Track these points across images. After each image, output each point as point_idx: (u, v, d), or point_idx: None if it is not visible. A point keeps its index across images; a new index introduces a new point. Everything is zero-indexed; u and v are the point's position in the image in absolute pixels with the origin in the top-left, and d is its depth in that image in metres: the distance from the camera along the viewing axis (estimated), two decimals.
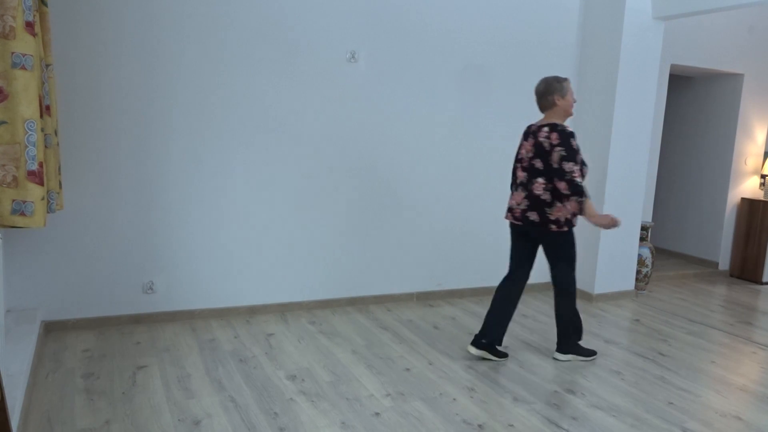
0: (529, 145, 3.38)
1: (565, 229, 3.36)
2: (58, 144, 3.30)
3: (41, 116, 2.74)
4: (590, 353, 3.64)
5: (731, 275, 6.18)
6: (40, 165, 2.65)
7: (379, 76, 4.29)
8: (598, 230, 4.86)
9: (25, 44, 2.53)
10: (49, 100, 3.06)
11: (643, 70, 4.78)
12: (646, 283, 5.33)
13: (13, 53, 2.51)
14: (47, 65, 3.08)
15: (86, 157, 3.60)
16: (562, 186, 3.23)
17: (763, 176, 6.16)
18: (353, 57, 4.18)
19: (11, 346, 2.96)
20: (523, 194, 3.40)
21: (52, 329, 3.65)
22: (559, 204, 3.31)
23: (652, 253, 5.28)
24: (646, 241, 5.28)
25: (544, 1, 4.76)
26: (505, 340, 3.91)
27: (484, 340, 3.51)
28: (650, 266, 5.27)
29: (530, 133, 3.41)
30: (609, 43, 4.74)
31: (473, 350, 3.51)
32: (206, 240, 3.96)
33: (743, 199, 6.09)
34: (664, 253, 6.63)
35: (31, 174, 2.61)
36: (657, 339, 4.10)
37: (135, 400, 2.85)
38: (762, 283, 5.92)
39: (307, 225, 4.23)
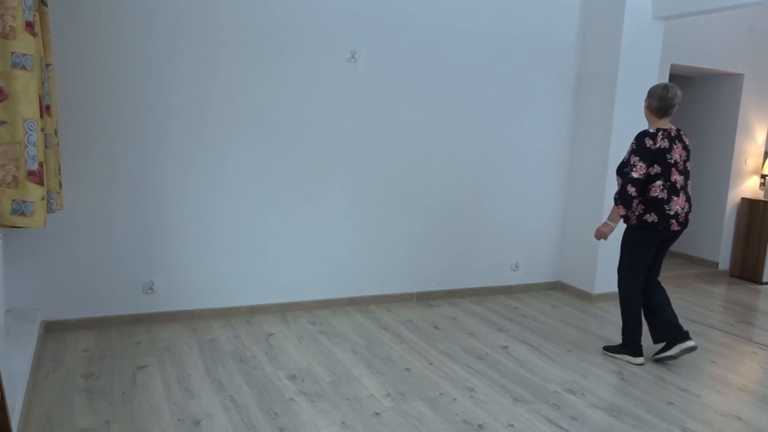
0: (680, 149, 3.44)
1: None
2: (58, 144, 3.30)
3: (41, 116, 2.74)
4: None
5: (731, 275, 6.18)
6: (40, 165, 2.65)
7: (379, 76, 4.29)
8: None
9: (25, 44, 2.53)
10: (49, 100, 3.06)
11: (643, 70, 4.78)
12: None
13: (13, 53, 2.51)
14: (47, 65, 3.08)
15: (86, 157, 3.60)
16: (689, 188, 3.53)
17: (763, 176, 6.16)
18: (353, 57, 4.18)
19: (11, 346, 2.96)
20: (684, 198, 3.47)
21: (52, 329, 3.65)
22: None
23: None
24: None
25: (544, 1, 4.76)
26: (504, 339, 3.92)
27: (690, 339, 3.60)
28: None
29: (674, 137, 3.45)
30: (609, 43, 4.74)
31: (690, 343, 3.55)
32: (206, 240, 3.96)
33: (743, 199, 6.09)
34: None
35: (31, 174, 2.61)
36: None
37: (135, 400, 2.85)
38: (762, 283, 5.92)
39: (307, 225, 4.23)
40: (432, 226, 4.66)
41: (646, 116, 3.55)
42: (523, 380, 3.30)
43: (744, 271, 6.06)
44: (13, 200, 2.61)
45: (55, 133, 3.22)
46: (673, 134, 3.45)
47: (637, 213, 3.48)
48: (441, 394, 3.08)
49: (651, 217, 3.44)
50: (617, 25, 4.66)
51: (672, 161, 3.41)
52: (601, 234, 3.58)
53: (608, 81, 4.75)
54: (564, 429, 2.78)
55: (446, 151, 4.61)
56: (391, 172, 4.45)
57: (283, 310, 4.25)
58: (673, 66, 5.62)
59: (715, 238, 6.19)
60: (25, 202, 2.63)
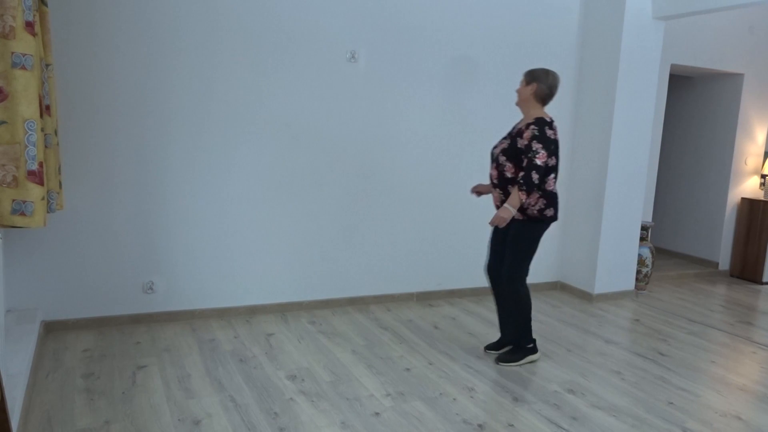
0: None
1: None
2: (58, 144, 3.30)
3: (41, 116, 2.74)
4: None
5: (731, 275, 6.18)
6: (40, 165, 2.65)
7: (379, 76, 4.29)
8: (599, 230, 4.86)
9: (25, 44, 2.53)
10: (49, 100, 3.06)
11: (643, 70, 4.78)
12: (646, 283, 5.33)
13: (13, 53, 2.51)
14: (47, 65, 3.08)
15: (86, 157, 3.60)
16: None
17: (763, 176, 6.16)
18: (353, 57, 4.18)
19: (11, 346, 2.96)
20: None
21: (52, 329, 3.65)
22: None
23: (652, 253, 5.28)
24: (646, 241, 5.28)
25: (544, 1, 4.76)
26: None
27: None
28: (650, 266, 5.27)
29: None
30: (609, 43, 4.74)
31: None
32: (206, 240, 3.96)
33: (743, 199, 6.09)
34: (664, 253, 6.63)
35: (31, 174, 2.61)
36: (657, 339, 4.10)
37: (135, 400, 2.85)
38: (762, 283, 5.92)
39: (308, 225, 4.23)
40: (432, 226, 4.66)
41: (526, 102, 3.33)
42: (523, 380, 3.30)
43: (744, 271, 6.06)
44: (13, 200, 2.61)
45: (55, 133, 3.22)
46: None
47: (537, 207, 3.31)
48: (441, 394, 3.08)
49: (550, 212, 3.35)
50: (617, 25, 4.66)
51: (559, 153, 3.37)
52: (501, 220, 3.28)
53: (608, 81, 4.75)
54: (564, 429, 2.78)
55: (446, 151, 4.61)
56: (392, 172, 4.44)
57: (283, 310, 4.25)
58: (673, 66, 5.62)
59: (715, 238, 6.19)
60: (25, 202, 2.63)
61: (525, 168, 3.21)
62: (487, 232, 4.87)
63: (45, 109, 2.97)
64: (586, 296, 4.98)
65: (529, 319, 3.53)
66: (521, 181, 3.21)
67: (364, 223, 4.42)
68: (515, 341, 3.56)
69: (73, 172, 3.58)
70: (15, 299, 3.54)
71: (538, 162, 3.17)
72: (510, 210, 3.25)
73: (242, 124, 3.94)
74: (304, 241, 4.24)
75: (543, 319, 4.39)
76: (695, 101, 6.41)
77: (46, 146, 2.97)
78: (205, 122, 3.85)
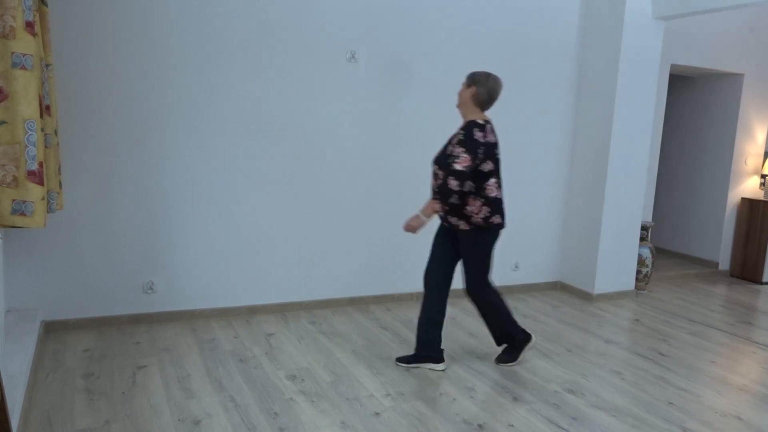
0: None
1: None
2: (58, 144, 3.30)
3: (41, 116, 2.74)
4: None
5: (731, 275, 6.18)
6: (40, 165, 2.65)
7: (379, 76, 4.29)
8: (599, 230, 4.86)
9: (25, 44, 2.53)
10: (49, 100, 3.06)
11: (643, 70, 4.78)
12: (646, 283, 5.33)
13: (13, 53, 2.51)
14: (47, 65, 3.08)
15: (86, 157, 3.60)
16: None
17: (763, 176, 6.16)
18: (353, 57, 4.18)
19: (11, 346, 2.96)
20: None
21: (52, 329, 3.65)
22: None
23: (652, 253, 5.28)
24: (646, 241, 5.28)
25: (544, 1, 4.76)
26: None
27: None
28: (650, 266, 5.27)
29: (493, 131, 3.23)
30: (609, 43, 4.74)
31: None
32: (206, 240, 3.96)
33: (743, 199, 6.09)
34: (664, 253, 6.63)
35: (31, 174, 2.61)
36: (657, 339, 4.10)
37: (135, 400, 2.85)
38: (762, 283, 5.92)
39: (308, 225, 4.23)
40: (432, 226, 4.65)
41: (465, 105, 3.20)
42: (523, 380, 3.30)
43: (744, 271, 6.06)
44: (13, 200, 2.61)
45: (55, 133, 3.22)
46: (493, 128, 3.21)
47: (482, 215, 3.14)
48: (441, 394, 3.08)
49: (497, 219, 3.19)
50: (617, 25, 4.66)
51: (499, 157, 3.19)
52: (411, 228, 3.19)
53: (608, 81, 4.74)
54: (564, 429, 2.78)
55: None
56: (392, 172, 4.44)
57: (283, 310, 4.25)
58: (673, 66, 5.62)
59: (715, 238, 6.19)
60: (25, 202, 2.63)
61: (444, 175, 3.05)
62: None
63: (45, 109, 2.97)
64: (586, 296, 4.98)
65: (509, 314, 3.43)
66: (436, 189, 3.08)
67: (364, 223, 4.42)
68: (509, 340, 3.51)
69: (73, 172, 3.58)
70: (15, 299, 3.54)
71: (457, 167, 3.00)
72: (420, 217, 3.16)
73: (242, 123, 3.94)
74: (304, 241, 4.24)
75: (543, 319, 4.39)
76: (695, 101, 6.41)
77: (46, 146, 2.97)
78: (204, 122, 3.85)
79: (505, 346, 3.56)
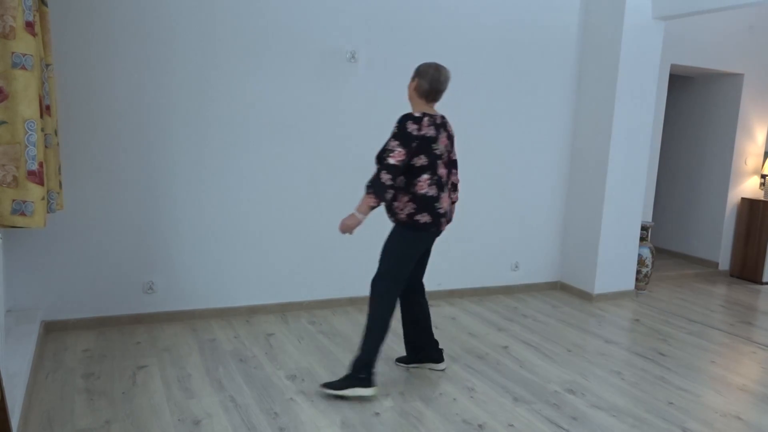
0: (445, 139, 3.02)
1: None
2: (58, 144, 3.30)
3: (41, 116, 2.74)
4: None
5: (731, 275, 6.18)
6: (40, 165, 2.65)
7: (379, 76, 4.29)
8: (599, 230, 4.86)
9: (25, 44, 2.53)
10: (49, 100, 3.06)
11: (643, 70, 4.78)
12: (646, 283, 5.34)
13: (13, 53, 2.51)
14: (47, 65, 3.08)
15: (86, 157, 3.60)
16: (457, 177, 3.23)
17: (763, 176, 6.16)
18: (353, 57, 4.18)
19: (11, 346, 2.96)
20: (447, 194, 3.05)
21: (52, 329, 3.65)
22: None
23: (652, 253, 5.29)
24: (646, 241, 5.28)
25: (544, 1, 4.76)
26: (504, 339, 3.91)
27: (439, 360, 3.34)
28: (650, 266, 5.27)
29: (440, 125, 3.00)
30: (609, 43, 4.74)
31: (443, 365, 3.34)
32: (206, 240, 3.96)
33: (743, 199, 6.09)
34: (664, 253, 6.63)
35: (31, 174, 2.61)
36: (657, 339, 4.10)
37: (135, 400, 2.85)
38: (762, 283, 5.92)
39: (308, 225, 4.23)
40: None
41: (411, 98, 3.05)
42: (523, 380, 3.30)
43: (744, 271, 6.06)
44: (13, 200, 2.61)
45: (55, 133, 3.22)
46: (438, 122, 2.99)
47: (407, 212, 2.95)
48: (441, 394, 3.08)
49: (424, 218, 2.94)
50: (617, 25, 4.66)
51: (438, 152, 2.96)
52: (346, 227, 2.98)
53: (608, 81, 4.74)
54: (564, 429, 2.78)
55: None
56: None
57: (283, 310, 4.25)
58: (673, 66, 5.62)
59: (715, 238, 6.19)
60: (25, 202, 2.63)
61: (377, 169, 2.91)
62: (492, 233, 4.87)
63: (45, 109, 2.97)
64: (586, 296, 4.98)
65: (379, 342, 3.00)
66: (369, 184, 2.90)
67: (364, 223, 4.41)
68: (360, 365, 2.98)
69: (73, 172, 3.58)
70: (15, 299, 3.54)
71: (391, 161, 2.84)
72: (356, 215, 2.92)
73: (242, 123, 3.94)
74: (304, 241, 4.24)
75: (543, 319, 4.39)
76: (695, 101, 6.41)
77: (46, 146, 2.97)
78: (204, 122, 3.85)
79: (352, 361, 3.04)
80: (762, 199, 6.02)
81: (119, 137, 3.66)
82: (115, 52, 3.58)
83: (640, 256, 5.21)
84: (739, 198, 6.12)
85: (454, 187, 3.22)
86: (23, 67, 2.54)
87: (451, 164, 3.16)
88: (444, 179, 3.01)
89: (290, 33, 3.98)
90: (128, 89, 3.64)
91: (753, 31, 5.85)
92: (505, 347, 3.78)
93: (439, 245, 4.67)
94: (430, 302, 4.65)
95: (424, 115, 2.94)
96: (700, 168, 6.36)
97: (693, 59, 5.60)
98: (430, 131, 2.93)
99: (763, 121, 6.12)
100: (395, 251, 3.05)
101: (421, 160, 2.92)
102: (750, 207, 6.02)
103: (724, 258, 6.18)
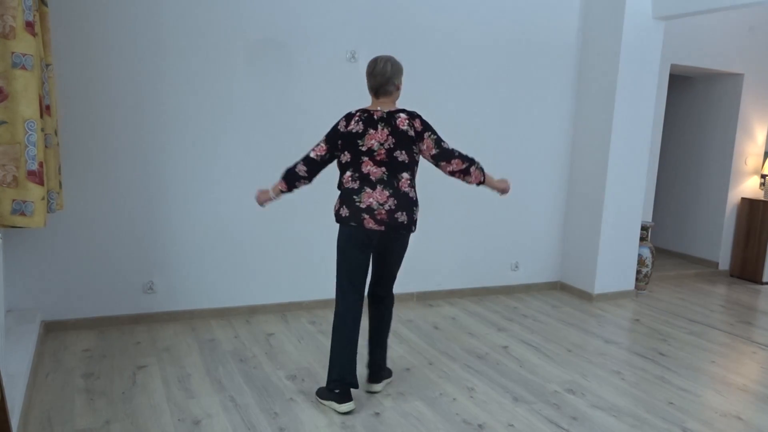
0: (382, 135, 2.82)
1: (414, 229, 2.97)
2: (58, 144, 3.30)
3: (41, 116, 2.74)
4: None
5: (731, 275, 6.18)
6: (40, 165, 2.65)
7: None
8: (599, 230, 4.86)
9: (25, 44, 2.53)
10: (49, 100, 3.06)
11: (643, 70, 4.78)
12: (646, 283, 5.33)
13: (13, 53, 2.51)
14: (47, 65, 3.08)
15: (86, 157, 3.60)
16: (457, 164, 2.93)
17: (763, 176, 6.16)
18: (353, 57, 4.18)
19: (11, 346, 2.96)
20: (387, 192, 2.82)
21: (52, 329, 3.65)
22: (417, 201, 2.99)
23: (652, 253, 5.29)
24: (646, 241, 5.28)
25: (544, 1, 4.76)
26: (504, 339, 3.92)
27: (382, 373, 3.12)
28: (650, 266, 5.27)
29: (378, 120, 2.85)
30: (609, 43, 4.74)
31: (379, 387, 3.09)
32: (206, 240, 3.96)
33: (743, 199, 6.09)
34: (664, 253, 6.63)
35: (31, 174, 2.61)
36: (657, 339, 4.10)
37: (135, 400, 2.85)
38: (762, 283, 5.92)
39: (308, 225, 4.23)
40: (432, 226, 4.66)
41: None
42: (523, 380, 3.30)
43: (744, 271, 6.06)
44: (13, 200, 2.61)
45: (55, 133, 3.22)
46: (377, 117, 2.85)
47: (336, 207, 2.91)
48: (441, 394, 3.08)
49: (344, 211, 2.84)
50: (617, 25, 4.66)
51: (364, 149, 2.82)
52: (258, 199, 3.06)
53: (608, 81, 4.74)
54: (564, 429, 2.78)
55: None
56: None
57: (283, 310, 4.25)
58: (673, 66, 5.62)
59: (715, 238, 6.19)
60: (25, 202, 2.63)
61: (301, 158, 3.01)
62: (492, 233, 4.87)
63: (45, 109, 2.97)
64: (586, 296, 4.98)
65: (336, 351, 2.87)
66: (286, 168, 3.06)
67: None
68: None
69: (73, 172, 3.58)
70: (15, 299, 3.54)
71: (310, 155, 2.96)
72: (267, 192, 3.04)
73: (242, 123, 3.94)
74: (304, 241, 4.24)
75: (543, 319, 4.39)
76: (695, 101, 6.41)
77: (46, 146, 2.97)
78: (204, 122, 3.85)
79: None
80: (762, 199, 6.02)
81: (119, 137, 3.66)
82: (115, 52, 3.58)
83: (640, 256, 5.21)
84: (739, 198, 6.12)
85: (462, 174, 2.99)
86: (23, 67, 2.54)
87: (440, 157, 2.93)
88: (375, 177, 2.82)
89: (290, 33, 3.98)
90: (128, 89, 3.64)
91: (753, 31, 5.85)
92: (505, 347, 3.78)
93: (438, 245, 4.69)
94: (430, 302, 4.67)
95: (361, 111, 2.91)
96: (700, 168, 6.36)
97: (693, 59, 5.60)
98: (357, 127, 2.84)
99: (763, 121, 6.12)
100: (337, 248, 2.94)
101: (345, 156, 2.89)
102: (750, 207, 6.02)
103: (724, 258, 6.18)
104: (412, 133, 2.87)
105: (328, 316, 4.20)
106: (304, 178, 2.98)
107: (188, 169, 3.85)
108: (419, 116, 2.94)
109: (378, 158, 2.83)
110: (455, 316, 4.37)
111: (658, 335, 4.18)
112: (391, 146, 2.84)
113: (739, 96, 5.94)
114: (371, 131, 2.84)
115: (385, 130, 2.84)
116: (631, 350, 3.86)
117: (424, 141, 2.91)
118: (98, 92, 3.58)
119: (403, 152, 2.86)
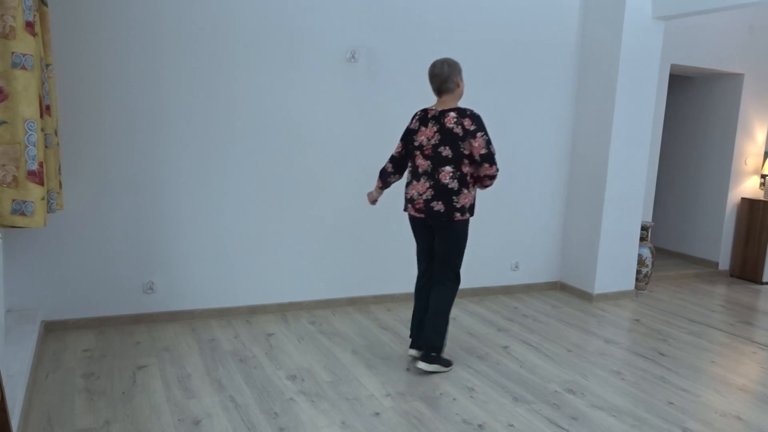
0: (430, 132, 3.17)
1: (468, 216, 3.24)
2: (58, 144, 3.30)
3: (41, 116, 2.74)
4: (449, 363, 3.39)
5: (731, 275, 6.18)
6: (40, 165, 2.65)
7: (380, 75, 4.29)
8: (599, 230, 4.86)
9: (25, 44, 2.53)
10: (49, 100, 3.06)
11: (643, 70, 4.78)
12: (646, 283, 5.34)
13: (13, 53, 2.52)
14: (47, 65, 3.08)
15: (86, 157, 3.60)
16: (492, 170, 3.14)
17: (763, 176, 6.16)
18: (353, 57, 4.18)
19: (11, 346, 2.96)
20: (427, 184, 3.17)
21: (52, 329, 3.65)
22: (465, 191, 3.18)
23: (652, 253, 5.29)
24: (646, 241, 5.28)
25: (544, 1, 4.76)
26: (504, 339, 3.92)
27: (429, 353, 3.31)
28: (650, 266, 5.27)
29: (430, 119, 3.19)
30: (609, 43, 4.74)
31: (423, 365, 3.30)
32: (206, 240, 3.96)
33: (743, 199, 6.09)
34: (664, 253, 6.63)
35: (31, 174, 2.61)
36: (657, 339, 4.10)
37: (135, 400, 2.85)
38: (762, 283, 5.92)
39: (307, 224, 4.23)
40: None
41: None
42: (523, 380, 3.30)
43: (744, 271, 6.06)
44: (13, 200, 2.61)
45: (55, 133, 3.22)
46: (431, 115, 3.19)
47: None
48: (441, 394, 3.08)
49: (404, 199, 3.37)
50: (617, 25, 4.66)
51: (417, 144, 3.23)
52: (369, 199, 3.53)
53: (608, 81, 4.75)
54: (564, 429, 2.78)
55: None
56: None
57: (283, 310, 4.25)
58: (673, 66, 5.62)
59: (715, 238, 6.19)
60: (25, 202, 2.63)
61: None
62: (492, 233, 4.87)
63: (45, 109, 2.97)
64: (586, 296, 4.98)
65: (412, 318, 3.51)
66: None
67: (364, 223, 4.42)
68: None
69: (73, 172, 3.58)
70: (15, 299, 3.54)
71: (393, 153, 3.42)
72: (372, 192, 3.54)
73: (242, 123, 3.95)
74: (303, 241, 4.24)
75: (543, 319, 4.39)
76: (695, 101, 6.41)
77: (46, 146, 2.97)
78: (204, 122, 3.85)
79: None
80: (762, 199, 6.02)
81: (119, 137, 3.66)
82: (116, 52, 3.58)
83: (640, 256, 5.21)
84: (739, 198, 6.12)
85: (489, 179, 3.19)
86: (23, 67, 2.54)
87: (469, 158, 3.14)
88: (422, 169, 3.21)
89: (290, 33, 3.98)
90: (128, 89, 3.64)
91: (753, 31, 5.85)
92: (505, 347, 3.78)
93: None
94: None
95: (422, 110, 3.29)
96: (700, 168, 6.36)
97: (693, 59, 5.60)
98: (414, 125, 3.29)
99: (763, 121, 6.12)
100: None
101: (407, 151, 3.35)
102: (750, 207, 6.02)
103: (724, 258, 6.18)
104: (458, 130, 3.12)
105: (328, 316, 4.20)
106: (392, 173, 3.42)
107: (188, 169, 3.85)
108: (471, 116, 3.14)
109: (426, 152, 3.21)
110: (455, 316, 4.37)
111: (658, 335, 4.18)
112: (437, 142, 3.16)
113: (739, 96, 5.94)
114: (423, 128, 3.24)
115: (434, 127, 3.18)
116: (631, 350, 3.86)
117: (476, 139, 3.12)
118: (98, 92, 3.58)
119: (447, 148, 3.15)
